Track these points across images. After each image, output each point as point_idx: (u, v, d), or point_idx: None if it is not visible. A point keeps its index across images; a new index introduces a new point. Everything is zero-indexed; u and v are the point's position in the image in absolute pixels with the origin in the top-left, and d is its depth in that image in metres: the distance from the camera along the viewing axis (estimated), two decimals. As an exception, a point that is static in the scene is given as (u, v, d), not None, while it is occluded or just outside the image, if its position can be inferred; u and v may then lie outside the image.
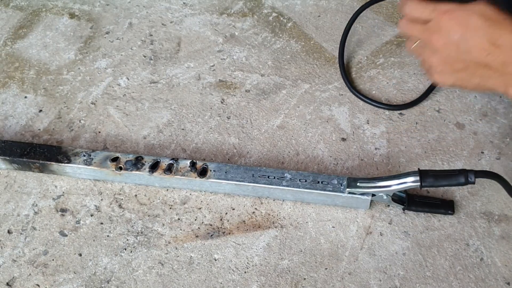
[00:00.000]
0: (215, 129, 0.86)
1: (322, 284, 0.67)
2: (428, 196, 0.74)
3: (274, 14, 1.04)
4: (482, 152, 0.80)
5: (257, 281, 0.68)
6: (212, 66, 0.95)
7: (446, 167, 0.78)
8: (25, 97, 0.92)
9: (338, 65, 0.93)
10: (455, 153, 0.80)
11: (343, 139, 0.83)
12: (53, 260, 0.72)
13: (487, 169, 0.77)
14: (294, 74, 0.93)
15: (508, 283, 0.66)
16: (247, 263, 0.70)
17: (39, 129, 0.87)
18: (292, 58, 0.96)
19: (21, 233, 0.75)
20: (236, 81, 0.92)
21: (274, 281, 0.68)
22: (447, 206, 0.72)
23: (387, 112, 0.86)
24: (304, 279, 0.68)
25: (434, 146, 0.81)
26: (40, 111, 0.90)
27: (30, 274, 0.71)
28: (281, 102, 0.89)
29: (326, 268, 0.69)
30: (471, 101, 0.86)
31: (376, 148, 0.81)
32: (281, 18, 1.03)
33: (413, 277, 0.68)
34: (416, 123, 0.84)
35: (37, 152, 0.79)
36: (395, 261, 0.69)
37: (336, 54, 0.94)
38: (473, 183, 0.62)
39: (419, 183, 0.65)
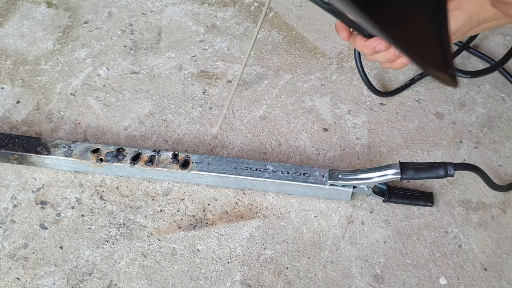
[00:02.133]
0: (197, 120, 0.85)
1: (304, 273, 0.68)
2: (408, 188, 0.75)
3: (255, 4, 1.03)
4: (461, 141, 0.81)
5: (240, 271, 0.69)
6: (194, 56, 0.94)
7: (426, 156, 0.79)
8: (2, 88, 0.90)
9: (319, 55, 0.93)
10: (435, 142, 0.81)
11: (325, 129, 0.83)
12: (33, 253, 0.71)
13: (466, 158, 0.79)
14: (276, 64, 0.93)
15: (485, 269, 0.68)
16: (230, 253, 0.70)
17: (17, 121, 0.85)
18: (274, 49, 0.96)
19: (0, 227, 0.73)
20: (218, 72, 0.92)
21: (257, 271, 0.69)
22: (426, 198, 0.73)
23: (368, 102, 0.87)
24: (287, 268, 0.69)
25: (414, 136, 0.82)
26: (18, 102, 0.88)
27: (10, 267, 0.70)
28: (263, 92, 0.89)
29: (308, 257, 0.70)
30: (450, 91, 0.87)
31: (357, 138, 0.82)
32: (263, 8, 1.03)
33: (393, 265, 0.69)
34: (397, 113, 0.85)
35: (16, 143, 0.77)
36: (376, 249, 0.70)
37: (318, 44, 0.94)
38: (452, 175, 0.63)
39: (399, 176, 0.66)
